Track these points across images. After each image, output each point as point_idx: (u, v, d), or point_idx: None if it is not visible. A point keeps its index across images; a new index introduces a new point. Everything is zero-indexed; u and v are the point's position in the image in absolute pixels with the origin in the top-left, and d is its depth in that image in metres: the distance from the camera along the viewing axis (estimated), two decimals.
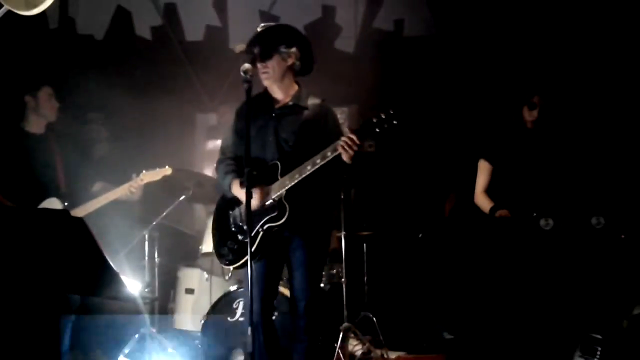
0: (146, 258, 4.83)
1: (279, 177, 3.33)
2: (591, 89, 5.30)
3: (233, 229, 3.45)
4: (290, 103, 3.46)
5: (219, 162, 3.57)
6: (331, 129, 3.43)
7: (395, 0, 5.97)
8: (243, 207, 3.35)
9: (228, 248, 3.43)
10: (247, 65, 3.24)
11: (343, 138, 3.20)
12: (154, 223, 4.77)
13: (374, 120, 3.15)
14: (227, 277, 4.56)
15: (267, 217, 3.32)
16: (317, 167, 3.25)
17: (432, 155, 5.69)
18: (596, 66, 5.31)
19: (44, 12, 4.87)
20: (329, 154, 3.23)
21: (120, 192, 4.28)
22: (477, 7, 5.74)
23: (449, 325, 4.41)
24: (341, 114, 6.28)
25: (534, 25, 5.54)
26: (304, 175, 3.27)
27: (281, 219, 3.32)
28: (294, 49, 3.41)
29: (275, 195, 3.32)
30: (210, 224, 3.70)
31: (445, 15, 5.88)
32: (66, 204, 4.19)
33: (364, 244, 5.31)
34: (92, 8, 5.92)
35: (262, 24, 3.47)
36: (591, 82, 5.31)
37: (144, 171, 4.30)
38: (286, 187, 3.30)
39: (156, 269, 4.89)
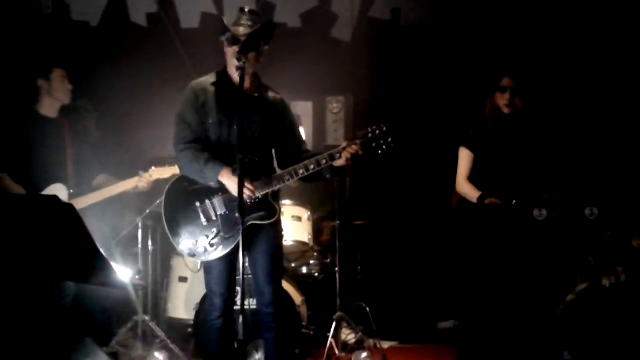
0: (139, 246, 4.83)
1: (261, 175, 3.36)
2: (576, 74, 5.29)
3: (205, 222, 3.39)
4: (256, 94, 3.49)
5: (185, 148, 3.42)
6: (290, 125, 3.59)
7: None
8: (219, 198, 3.37)
9: (199, 242, 3.38)
10: None
11: (349, 149, 3.26)
12: (148, 211, 4.76)
13: (376, 133, 3.27)
14: (198, 269, 4.59)
15: (253, 215, 3.34)
16: (309, 172, 3.31)
17: (427, 144, 5.67)
18: (583, 53, 5.30)
19: None
20: (323, 161, 3.31)
21: (126, 185, 4.23)
22: None
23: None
24: (337, 103, 6.27)
25: (523, 11, 5.53)
26: (294, 179, 3.33)
27: (271, 218, 3.38)
28: (266, 47, 3.46)
29: (261, 193, 3.34)
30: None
31: (442, 4, 5.84)
32: (71, 190, 4.12)
33: (358, 234, 5.31)
34: None
35: (247, 8, 3.45)
36: (576, 68, 5.30)
37: (152, 167, 4.26)
38: (274, 188, 3.36)
39: (149, 257, 4.90)
